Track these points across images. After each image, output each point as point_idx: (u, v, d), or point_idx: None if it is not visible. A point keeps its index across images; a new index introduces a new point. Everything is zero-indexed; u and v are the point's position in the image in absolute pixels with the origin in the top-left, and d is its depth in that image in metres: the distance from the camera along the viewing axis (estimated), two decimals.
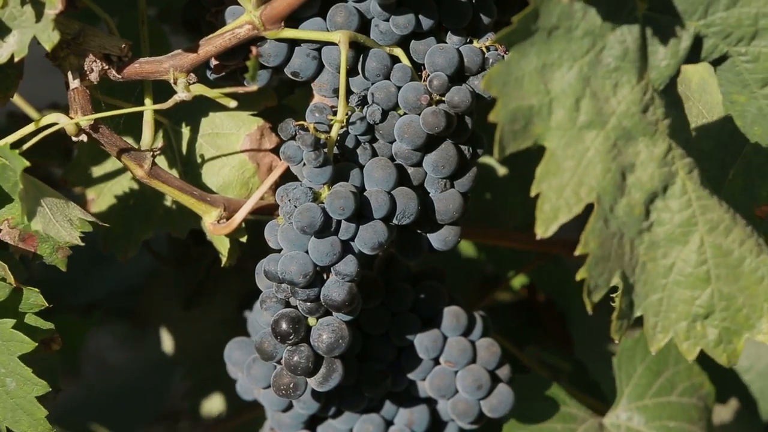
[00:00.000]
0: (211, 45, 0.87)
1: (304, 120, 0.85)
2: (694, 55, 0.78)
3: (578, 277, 0.76)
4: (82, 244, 0.85)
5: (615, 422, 1.07)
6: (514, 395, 0.97)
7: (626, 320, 0.79)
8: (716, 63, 0.80)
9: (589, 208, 0.76)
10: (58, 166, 1.18)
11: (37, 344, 0.85)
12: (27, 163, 0.81)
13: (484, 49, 0.87)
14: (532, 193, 0.74)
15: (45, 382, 0.86)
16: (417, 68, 0.88)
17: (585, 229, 0.76)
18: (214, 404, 1.44)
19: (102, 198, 0.99)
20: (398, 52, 0.87)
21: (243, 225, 0.92)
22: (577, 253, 0.76)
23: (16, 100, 0.98)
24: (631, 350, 1.09)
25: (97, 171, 1.00)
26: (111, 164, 0.99)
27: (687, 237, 0.79)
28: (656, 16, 0.77)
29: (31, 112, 1.12)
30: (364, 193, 0.86)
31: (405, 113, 0.86)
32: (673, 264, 0.79)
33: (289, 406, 0.96)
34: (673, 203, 0.78)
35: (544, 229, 0.74)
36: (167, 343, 1.43)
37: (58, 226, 0.84)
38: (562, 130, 0.74)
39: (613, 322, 0.79)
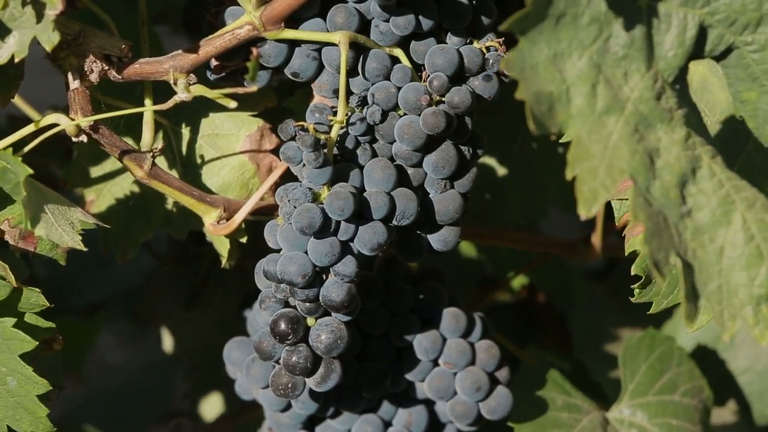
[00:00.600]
0: (211, 46, 0.87)
1: (304, 120, 0.86)
2: (699, 45, 0.78)
3: (639, 248, 0.75)
4: (85, 248, 0.86)
5: (618, 417, 1.07)
6: (519, 384, 0.97)
7: (694, 304, 0.77)
8: (723, 56, 0.79)
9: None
10: (59, 167, 1.18)
11: (38, 343, 0.85)
12: (30, 171, 0.81)
13: (484, 50, 0.87)
14: (568, 177, 0.73)
15: (46, 380, 0.86)
16: (417, 69, 0.88)
17: (629, 205, 0.75)
18: (214, 404, 1.44)
19: (101, 199, 0.99)
20: (398, 52, 0.87)
21: (243, 225, 0.92)
22: (630, 223, 0.75)
23: (17, 101, 0.98)
24: (636, 348, 1.09)
25: (97, 172, 1.00)
26: (111, 165, 0.99)
27: (728, 216, 0.78)
28: (660, 4, 0.76)
29: (31, 112, 1.12)
30: (364, 194, 0.86)
31: (405, 114, 0.86)
32: (722, 247, 0.78)
33: (288, 406, 0.96)
34: (706, 185, 0.77)
35: (587, 210, 0.73)
36: (167, 343, 1.43)
37: (61, 231, 0.84)
38: (583, 116, 0.73)
39: (683, 305, 0.77)
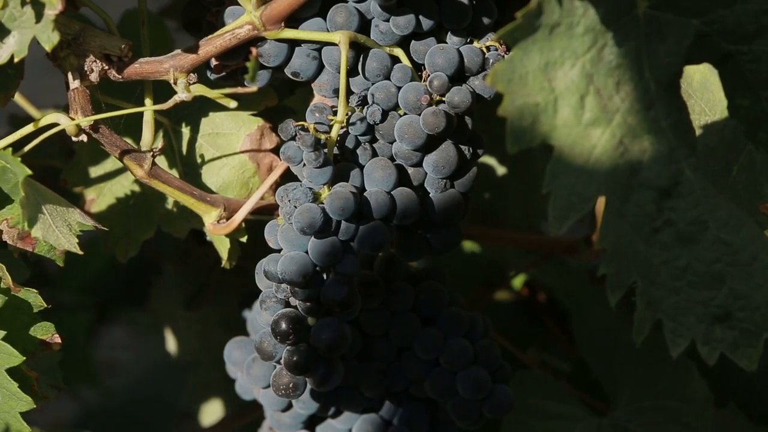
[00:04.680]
0: (211, 45, 0.87)
1: (304, 120, 0.86)
2: (695, 54, 0.78)
3: (600, 273, 0.76)
4: (81, 252, 0.85)
5: (613, 423, 1.06)
6: (514, 392, 0.97)
7: (647, 323, 0.78)
8: (719, 63, 0.79)
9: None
10: (60, 166, 1.18)
11: (25, 358, 0.83)
12: (29, 171, 0.81)
13: (485, 50, 0.87)
14: (543, 192, 0.73)
15: (30, 398, 0.84)
16: (417, 68, 0.88)
17: (600, 224, 0.75)
18: (216, 404, 1.44)
19: (102, 198, 1.00)
20: (398, 52, 0.87)
21: (243, 225, 0.92)
22: (597, 246, 0.76)
23: (18, 99, 0.98)
24: (634, 350, 1.09)
25: (97, 171, 1.00)
26: (111, 164, 0.99)
27: (698, 235, 0.78)
28: (657, 13, 0.76)
29: (32, 111, 1.12)
30: (364, 194, 0.86)
31: (405, 113, 0.86)
32: (687, 265, 0.78)
33: (289, 406, 0.96)
34: (682, 202, 0.77)
35: (557, 227, 0.74)
36: (171, 343, 1.43)
37: (58, 233, 0.84)
38: (568, 128, 0.74)
39: (636, 325, 0.78)
